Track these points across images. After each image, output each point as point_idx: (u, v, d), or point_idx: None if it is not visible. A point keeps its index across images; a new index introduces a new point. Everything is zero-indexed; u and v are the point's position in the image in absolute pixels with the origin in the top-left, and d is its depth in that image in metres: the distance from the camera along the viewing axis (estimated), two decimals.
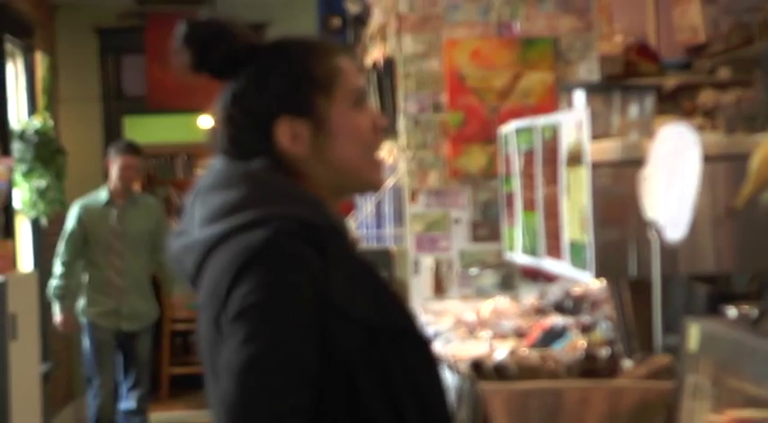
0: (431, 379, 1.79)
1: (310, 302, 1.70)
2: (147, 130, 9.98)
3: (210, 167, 1.86)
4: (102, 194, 6.89)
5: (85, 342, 6.80)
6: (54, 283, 6.76)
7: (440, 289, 4.75)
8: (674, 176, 2.49)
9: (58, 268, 6.77)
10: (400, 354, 1.75)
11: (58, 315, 6.75)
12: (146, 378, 6.97)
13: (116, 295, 6.79)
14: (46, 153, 7.37)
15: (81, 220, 6.76)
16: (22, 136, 7.30)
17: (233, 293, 1.69)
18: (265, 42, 1.86)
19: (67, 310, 6.75)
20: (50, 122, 7.68)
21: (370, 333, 1.73)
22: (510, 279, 4.57)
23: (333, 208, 1.85)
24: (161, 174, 11.17)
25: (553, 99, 4.69)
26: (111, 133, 8.83)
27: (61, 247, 6.77)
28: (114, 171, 6.90)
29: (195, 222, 1.81)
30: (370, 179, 1.88)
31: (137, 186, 7.71)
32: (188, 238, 1.81)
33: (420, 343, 1.79)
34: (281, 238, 1.71)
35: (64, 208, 7.07)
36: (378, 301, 1.77)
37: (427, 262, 4.84)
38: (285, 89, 1.82)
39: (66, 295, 6.74)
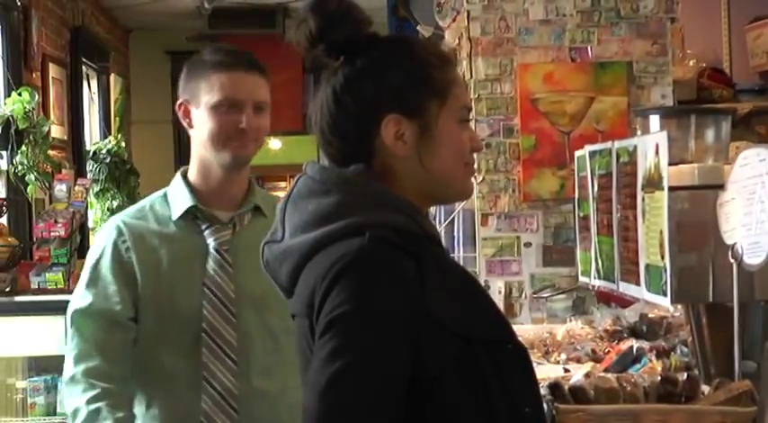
0: (528, 389, 1.77)
1: (403, 315, 1.65)
2: None
3: (303, 174, 1.83)
4: (179, 196, 2.80)
5: None
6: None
7: (511, 313, 4.74)
8: (753, 201, 2.48)
9: (69, 390, 2.72)
10: (496, 364, 1.71)
11: None
12: None
13: None
14: (118, 173, 7.48)
15: (122, 269, 2.75)
16: (95, 156, 7.42)
17: (325, 304, 1.66)
18: (387, 35, 1.84)
19: None
20: (123, 143, 7.80)
21: (466, 343, 1.69)
22: (582, 303, 4.55)
23: (425, 214, 1.83)
24: None
25: (625, 123, 4.68)
26: (183, 155, 8.96)
27: (72, 342, 2.74)
28: (205, 119, 2.71)
29: (288, 230, 1.78)
30: (462, 188, 1.89)
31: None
32: (281, 247, 1.78)
33: (517, 353, 1.77)
34: (376, 247, 1.67)
35: None
36: (475, 310, 1.74)
37: (498, 286, 4.84)
38: (403, 87, 1.79)
39: None
